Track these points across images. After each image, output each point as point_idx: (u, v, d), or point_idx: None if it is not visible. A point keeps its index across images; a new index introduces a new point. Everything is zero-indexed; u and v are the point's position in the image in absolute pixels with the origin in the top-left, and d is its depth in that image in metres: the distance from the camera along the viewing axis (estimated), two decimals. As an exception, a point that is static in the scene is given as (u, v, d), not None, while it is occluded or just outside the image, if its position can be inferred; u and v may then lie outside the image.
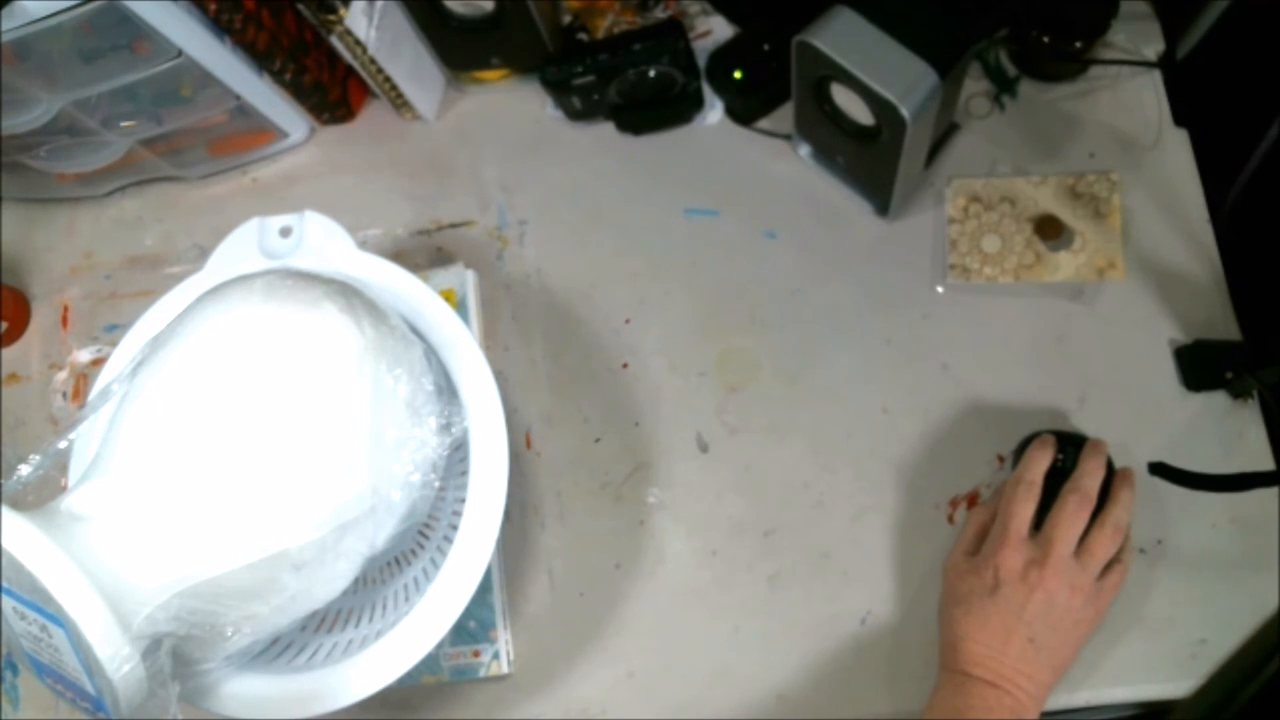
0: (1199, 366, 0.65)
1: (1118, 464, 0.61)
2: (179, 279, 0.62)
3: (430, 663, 0.63)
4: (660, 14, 0.79)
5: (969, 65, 0.72)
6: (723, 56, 0.76)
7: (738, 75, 0.75)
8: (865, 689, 0.62)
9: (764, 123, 0.77)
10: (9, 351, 0.82)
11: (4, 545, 0.42)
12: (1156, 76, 0.73)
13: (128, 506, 0.46)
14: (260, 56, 0.72)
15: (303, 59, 0.74)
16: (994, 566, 0.57)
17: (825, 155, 0.73)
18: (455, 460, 0.58)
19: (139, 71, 0.67)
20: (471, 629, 0.65)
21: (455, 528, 0.54)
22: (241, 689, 0.53)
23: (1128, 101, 0.73)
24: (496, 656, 0.64)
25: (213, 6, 0.66)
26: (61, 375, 0.80)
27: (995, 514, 0.60)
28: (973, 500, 0.65)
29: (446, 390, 0.57)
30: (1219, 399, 0.64)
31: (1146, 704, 0.61)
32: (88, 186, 0.83)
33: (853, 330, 0.70)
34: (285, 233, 0.62)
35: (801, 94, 0.67)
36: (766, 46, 0.75)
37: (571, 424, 0.71)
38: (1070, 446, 0.61)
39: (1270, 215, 0.70)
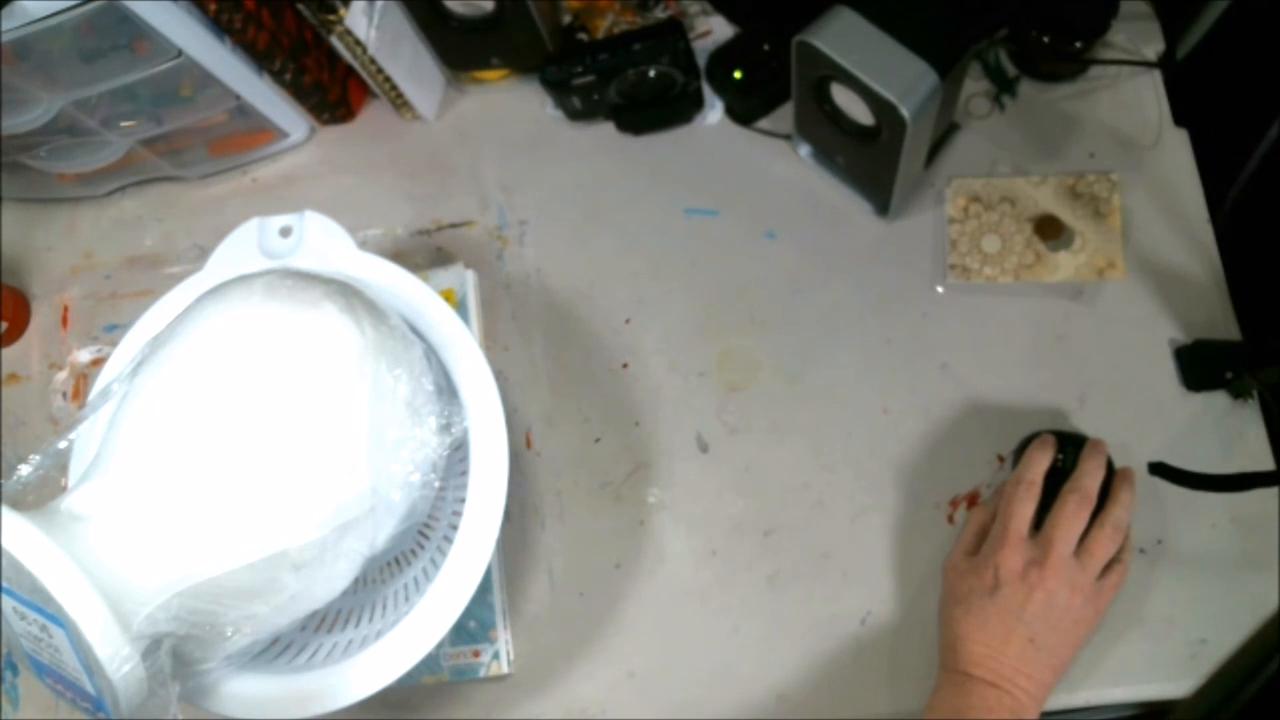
0: (1199, 366, 0.65)
1: (1118, 464, 0.61)
2: (179, 279, 0.62)
3: (430, 663, 0.63)
4: (660, 14, 0.79)
5: (969, 65, 0.72)
6: (723, 56, 0.76)
7: (738, 75, 0.75)
8: (865, 689, 0.62)
9: (764, 123, 0.77)
10: (9, 351, 0.82)
11: (4, 545, 0.42)
12: (1156, 76, 0.73)
13: (128, 506, 0.46)
14: (260, 56, 0.72)
15: (303, 59, 0.74)
16: (994, 566, 0.57)
17: (825, 155, 0.73)
18: (455, 460, 0.59)
19: (139, 71, 0.67)
20: (471, 629, 0.65)
21: (455, 528, 0.54)
22: (241, 689, 0.53)
23: (1128, 101, 0.73)
24: (496, 656, 0.64)
25: (213, 6, 0.66)
26: (61, 375, 0.80)
27: (995, 514, 0.60)
28: (973, 500, 0.65)
29: (446, 390, 0.57)
30: (1219, 399, 0.64)
31: (1146, 704, 0.61)
32: (88, 186, 0.83)
33: (853, 330, 0.70)
34: (285, 233, 0.62)
35: (801, 94, 0.67)
36: (766, 46, 0.75)
37: (571, 424, 0.71)
38: (1070, 446, 0.61)
39: (1270, 215, 0.70)
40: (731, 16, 0.79)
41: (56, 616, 0.42)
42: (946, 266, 0.70)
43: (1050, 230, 0.69)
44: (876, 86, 0.58)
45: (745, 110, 0.77)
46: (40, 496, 0.50)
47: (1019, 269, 0.69)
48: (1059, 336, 0.68)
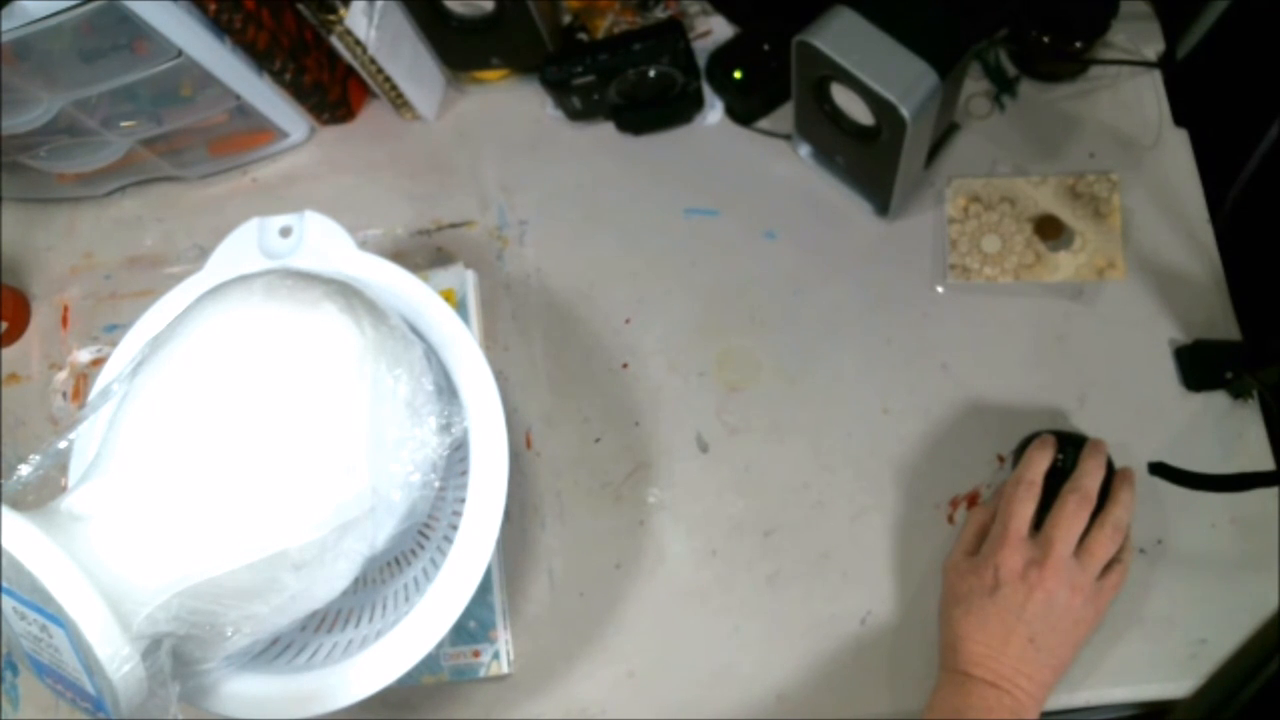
0: (1199, 366, 0.65)
1: (1118, 464, 0.61)
2: (179, 279, 0.62)
3: (430, 663, 0.63)
4: (660, 14, 0.79)
5: (969, 65, 0.72)
6: (723, 56, 0.76)
7: (738, 75, 0.75)
8: (865, 689, 0.62)
9: (764, 123, 0.77)
10: (9, 351, 0.82)
11: (4, 545, 0.42)
12: (1156, 76, 0.73)
13: (128, 506, 0.46)
14: (260, 56, 0.72)
15: (303, 59, 0.74)
16: (994, 566, 0.57)
17: (825, 155, 0.73)
18: (455, 460, 0.59)
19: (139, 71, 0.67)
20: (471, 629, 0.65)
21: (455, 528, 0.54)
22: (241, 689, 0.53)
23: (1128, 101, 0.73)
24: (496, 656, 0.64)
25: (213, 6, 0.66)
26: (61, 375, 0.80)
27: (995, 514, 0.60)
28: (973, 500, 0.65)
29: (446, 390, 0.57)
30: (1219, 399, 0.64)
31: (1146, 704, 0.61)
32: (88, 186, 0.83)
33: (853, 330, 0.70)
34: (285, 233, 0.62)
35: (801, 94, 0.67)
36: (766, 46, 0.75)
37: (571, 424, 0.71)
38: (1070, 446, 0.61)
39: (1270, 215, 0.70)
40: (731, 16, 0.79)
41: (56, 616, 0.42)
42: (946, 266, 0.70)
43: (1050, 230, 0.69)
44: (876, 86, 0.58)
45: (745, 110, 0.77)
46: (40, 496, 0.50)
47: (1019, 269, 0.69)
48: (1059, 336, 0.68)
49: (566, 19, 0.79)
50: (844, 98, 0.64)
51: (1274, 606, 0.59)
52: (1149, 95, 0.73)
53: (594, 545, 0.68)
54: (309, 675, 0.53)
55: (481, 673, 0.64)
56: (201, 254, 0.81)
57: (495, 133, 0.81)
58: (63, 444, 0.54)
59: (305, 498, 0.47)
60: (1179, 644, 0.60)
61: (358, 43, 0.70)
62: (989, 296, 0.69)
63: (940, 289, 0.70)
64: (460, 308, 0.72)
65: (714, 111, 0.77)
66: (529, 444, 0.71)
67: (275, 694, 0.53)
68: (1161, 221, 0.69)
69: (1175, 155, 0.71)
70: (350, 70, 0.79)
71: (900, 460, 0.66)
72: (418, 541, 0.62)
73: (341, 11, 0.69)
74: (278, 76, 0.74)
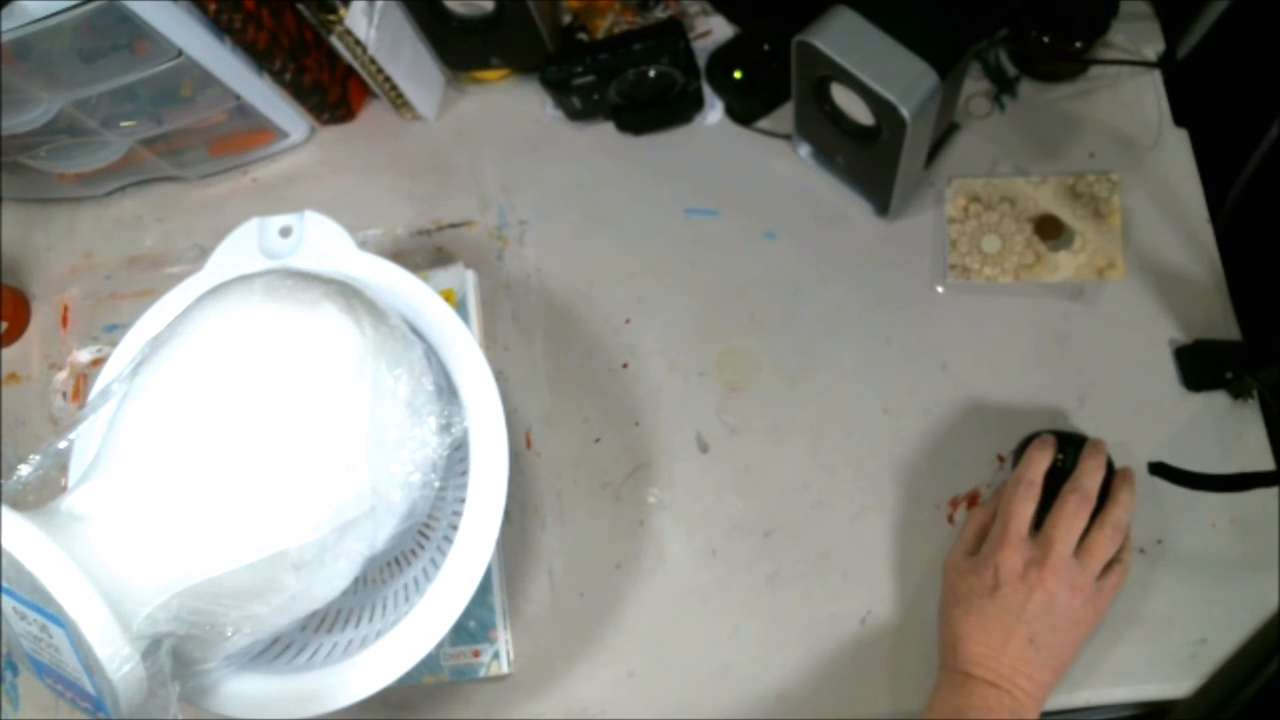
0: (1199, 366, 0.65)
1: (1118, 464, 0.61)
2: (179, 279, 0.62)
3: (430, 663, 0.63)
4: (660, 14, 0.79)
5: (969, 65, 0.72)
6: (723, 56, 0.76)
7: (738, 75, 0.75)
8: (865, 689, 0.62)
9: (764, 123, 0.77)
10: (9, 351, 0.82)
11: (4, 545, 0.42)
12: (1156, 76, 0.73)
13: (128, 506, 0.46)
14: (260, 56, 0.72)
15: (303, 59, 0.74)
16: (994, 566, 0.57)
17: (825, 155, 0.73)
18: (455, 460, 0.59)
19: (139, 71, 0.67)
20: (471, 629, 0.65)
21: (455, 528, 0.54)
22: (241, 689, 0.53)
23: (1128, 101, 0.73)
24: (496, 656, 0.64)
25: (213, 6, 0.66)
26: (61, 375, 0.80)
27: (995, 514, 0.60)
28: (973, 500, 0.65)
29: (446, 390, 0.57)
30: (1219, 399, 0.64)
31: (1146, 704, 0.61)
32: (88, 186, 0.83)
33: (853, 330, 0.70)
34: (285, 233, 0.62)
35: (801, 94, 0.67)
36: (766, 46, 0.75)
37: (571, 424, 0.71)
38: (1070, 446, 0.61)
39: (1270, 215, 0.70)
40: (731, 16, 0.79)
41: (56, 616, 0.42)
42: (946, 266, 0.70)
43: (1050, 230, 0.69)
44: (876, 86, 0.58)
45: (745, 110, 0.77)
46: (40, 496, 0.50)
47: (1019, 269, 0.69)
48: (1059, 336, 0.68)
49: (566, 19, 0.79)
50: (844, 98, 0.64)
51: (1274, 606, 0.59)
52: (1149, 95, 0.73)
53: (594, 545, 0.68)
54: (309, 675, 0.53)
55: (481, 673, 0.64)
56: (201, 254, 0.81)
57: (495, 133, 0.81)
58: (63, 444, 0.54)
59: (305, 498, 0.47)
60: (1179, 644, 0.60)
61: (358, 43, 0.70)
62: (989, 296, 0.69)
63: (940, 289, 0.70)
64: (460, 308, 0.72)
65: (714, 111, 0.77)
66: (529, 444, 0.71)
67: (275, 694, 0.53)
68: (1161, 221, 0.69)
69: (1175, 155, 0.71)
70: (350, 70, 0.79)
71: (900, 460, 0.66)
72: (418, 541, 0.62)
73: (341, 11, 0.69)
74: (278, 76, 0.74)
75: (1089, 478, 0.58)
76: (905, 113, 0.57)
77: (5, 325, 0.80)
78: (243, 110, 0.75)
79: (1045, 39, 0.70)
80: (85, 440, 0.57)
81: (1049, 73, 0.74)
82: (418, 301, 0.59)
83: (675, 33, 0.71)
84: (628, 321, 0.73)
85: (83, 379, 0.79)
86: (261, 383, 0.48)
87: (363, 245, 0.62)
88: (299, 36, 0.74)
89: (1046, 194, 0.70)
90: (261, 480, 0.47)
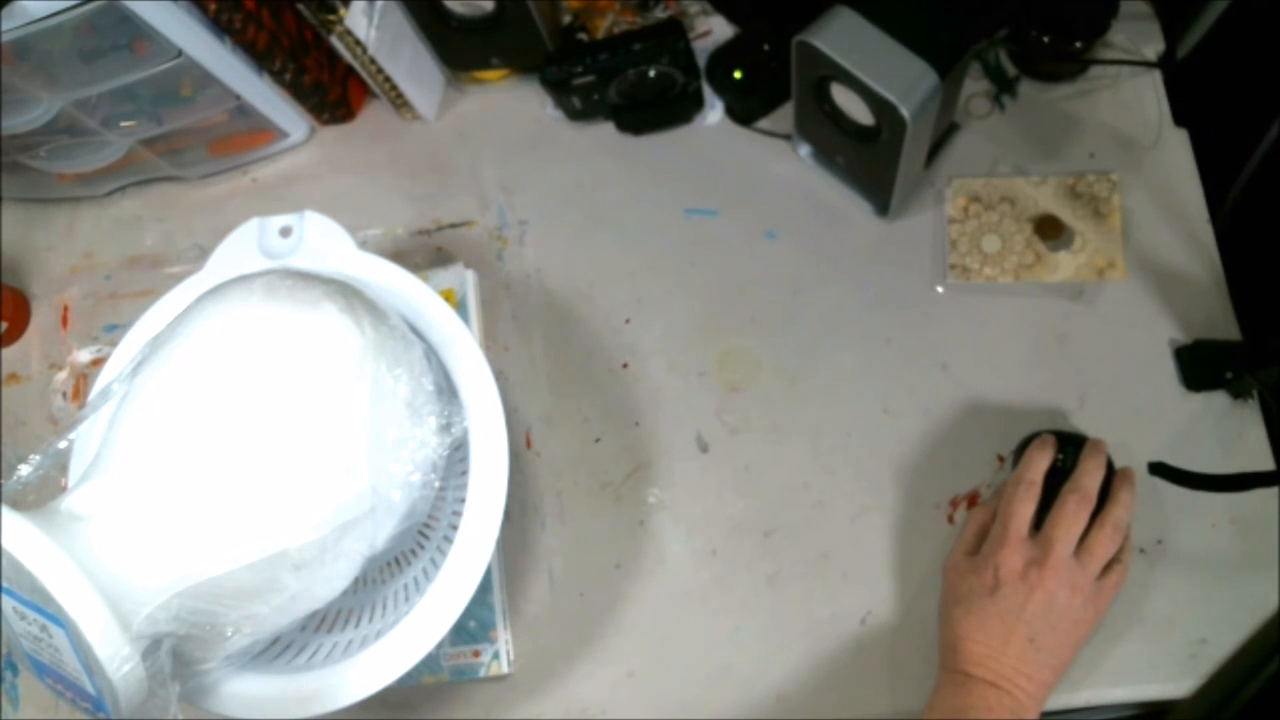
0: (1199, 366, 0.65)
1: (1118, 464, 0.61)
2: (179, 279, 0.62)
3: (430, 663, 0.63)
4: (660, 14, 0.79)
5: (969, 65, 0.72)
6: (723, 56, 0.76)
7: (738, 75, 0.75)
8: (865, 689, 0.62)
9: (764, 123, 0.77)
10: (9, 351, 0.82)
11: (4, 545, 0.42)
12: (1156, 76, 0.73)
13: (128, 506, 0.46)
14: (260, 56, 0.72)
15: (303, 59, 0.74)
16: (994, 566, 0.57)
17: (825, 155, 0.73)
18: (455, 460, 0.59)
19: (139, 71, 0.67)
20: (471, 629, 0.65)
21: (455, 528, 0.54)
22: (241, 689, 0.53)
23: (1128, 101, 0.73)
24: (496, 656, 0.64)
25: (213, 6, 0.66)
26: (61, 375, 0.80)
27: (995, 514, 0.60)
28: (973, 500, 0.65)
29: (446, 390, 0.57)
30: (1219, 399, 0.64)
31: (1146, 704, 0.61)
32: (88, 186, 0.83)
33: (853, 330, 0.70)
34: (285, 233, 0.62)
35: (801, 94, 0.67)
36: (766, 46, 0.75)
37: (571, 424, 0.71)
38: (1070, 446, 0.61)
39: (1270, 215, 0.70)
40: (731, 16, 0.79)
41: (56, 616, 0.42)
42: (946, 266, 0.70)
43: (1050, 230, 0.69)
44: (876, 86, 0.58)
45: (745, 110, 0.77)
46: (40, 496, 0.50)
47: (1019, 269, 0.69)
48: (1059, 336, 0.68)
49: (566, 19, 0.79)
50: (844, 98, 0.64)
51: (1274, 606, 0.59)
52: (1149, 95, 0.73)
53: (594, 545, 0.68)
54: (309, 675, 0.53)
55: (481, 673, 0.64)
56: (201, 254, 0.81)
57: (495, 133, 0.81)
58: (63, 444, 0.54)
59: (305, 498, 0.47)
60: (1179, 644, 0.60)
61: (358, 43, 0.70)
62: (989, 296, 0.69)
63: (940, 289, 0.70)
64: (460, 308, 0.72)
65: (714, 111, 0.77)
66: (529, 444, 0.71)
67: (275, 694, 0.53)
68: (1161, 221, 0.69)
69: (1175, 155, 0.71)
70: (350, 70, 0.79)
71: (900, 460, 0.66)
72: (418, 541, 0.62)
73: (341, 11, 0.69)
74: (278, 76, 0.74)
75: (1089, 478, 0.58)
76: (905, 113, 0.57)
77: (5, 325, 0.80)
78: (243, 110, 0.75)
79: (1045, 39, 0.70)
80: (85, 440, 0.57)
81: (1049, 73, 0.74)
82: (418, 301, 0.59)
83: (675, 33, 0.71)
84: (628, 321, 0.73)
85: (83, 379, 0.79)
86: (261, 383, 0.48)
87: (363, 245, 0.62)
88: (299, 36, 0.74)
89: (1046, 194, 0.70)
90: (261, 480, 0.47)
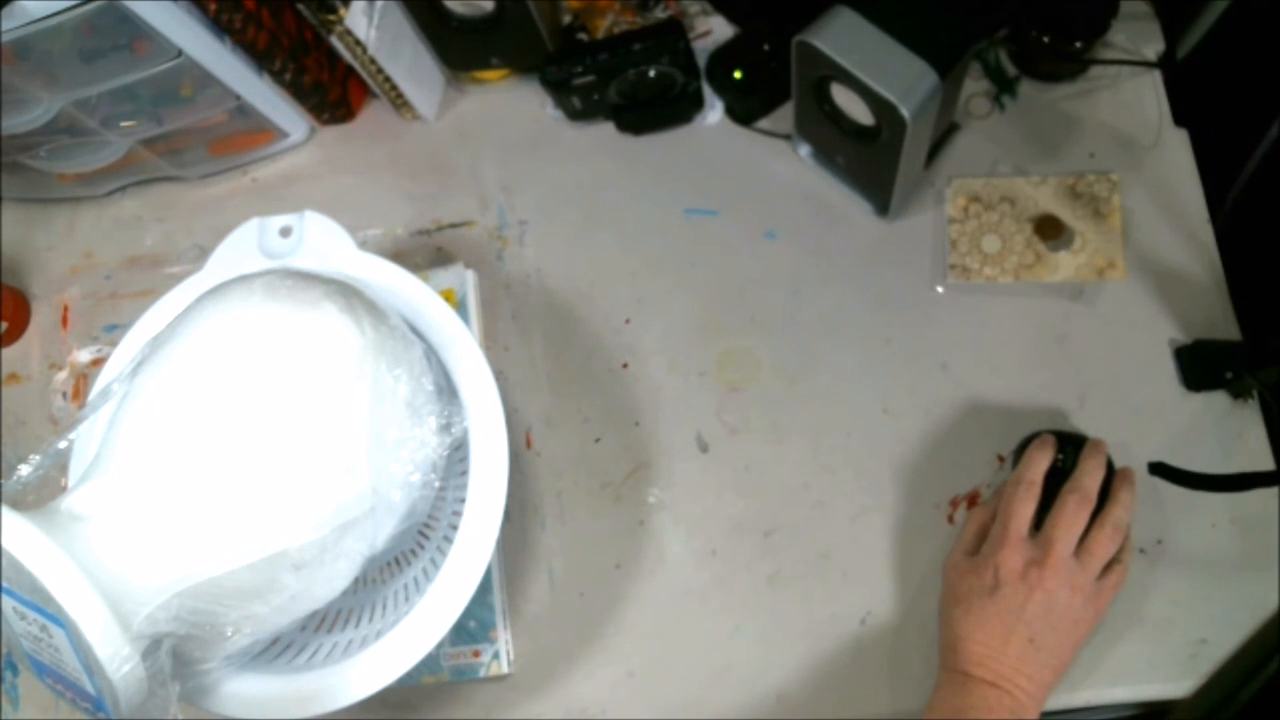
0: (1199, 366, 0.65)
1: (1118, 464, 0.61)
2: (179, 279, 0.62)
3: (430, 663, 0.63)
4: (660, 14, 0.79)
5: (969, 65, 0.72)
6: (723, 56, 0.76)
7: (738, 75, 0.75)
8: (865, 689, 0.62)
9: (764, 123, 0.77)
10: (9, 351, 0.82)
11: (4, 545, 0.42)
12: (1156, 76, 0.73)
13: (128, 506, 0.46)
14: (260, 56, 0.72)
15: (303, 59, 0.74)
16: (994, 566, 0.57)
17: (825, 155, 0.73)
18: (455, 460, 0.59)
19: (139, 71, 0.67)
20: (471, 629, 0.65)
21: (455, 528, 0.54)
22: (241, 689, 0.53)
23: (1128, 101, 0.73)
24: (496, 656, 0.64)
25: (213, 6, 0.66)
26: (61, 375, 0.80)
27: (995, 514, 0.60)
28: (973, 500, 0.65)
29: (446, 390, 0.57)
30: (1219, 399, 0.64)
31: (1146, 704, 0.61)
32: (88, 186, 0.83)
33: (853, 330, 0.70)
34: (285, 233, 0.62)
35: (801, 94, 0.67)
36: (766, 46, 0.75)
37: (571, 424, 0.71)
38: (1070, 446, 0.61)
39: (1270, 215, 0.70)
40: (731, 16, 0.79)
41: (56, 616, 0.42)
42: (946, 266, 0.70)
43: (1050, 230, 0.69)
44: (876, 86, 0.58)
45: (745, 110, 0.77)
46: (40, 496, 0.50)
47: (1019, 269, 0.69)
48: (1059, 336, 0.68)
49: (566, 19, 0.79)
50: (844, 98, 0.64)
51: (1274, 606, 0.59)
52: (1149, 95, 0.73)
53: (594, 545, 0.68)
54: (309, 675, 0.53)
55: (481, 673, 0.64)
56: (201, 254, 0.81)
57: (495, 133, 0.81)
58: (63, 444, 0.54)
59: (305, 498, 0.47)
60: (1179, 644, 0.60)
61: (358, 43, 0.70)
62: (989, 296, 0.69)
63: (940, 289, 0.70)
64: (460, 308, 0.72)
65: (714, 111, 0.77)
66: (529, 444, 0.71)
67: (275, 694, 0.53)
68: (1161, 221, 0.69)
69: (1175, 155, 0.71)
70: (350, 70, 0.79)
71: (900, 460, 0.66)
72: (418, 541, 0.62)
73: (341, 11, 0.69)
74: (278, 76, 0.74)
75: (1089, 478, 0.58)
76: (905, 113, 0.57)
77: (5, 325, 0.80)
78: (243, 110, 0.75)
79: (1045, 39, 0.70)
80: (85, 440, 0.57)
81: (1049, 73, 0.74)
82: (418, 301, 0.59)
83: (675, 33, 0.71)
84: (628, 321, 0.73)
85: (83, 379, 0.79)
86: (261, 383, 0.48)
87: (363, 245, 0.62)
88: (299, 36, 0.74)
89: (1046, 194, 0.70)
90: (261, 480, 0.47)
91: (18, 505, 0.43)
